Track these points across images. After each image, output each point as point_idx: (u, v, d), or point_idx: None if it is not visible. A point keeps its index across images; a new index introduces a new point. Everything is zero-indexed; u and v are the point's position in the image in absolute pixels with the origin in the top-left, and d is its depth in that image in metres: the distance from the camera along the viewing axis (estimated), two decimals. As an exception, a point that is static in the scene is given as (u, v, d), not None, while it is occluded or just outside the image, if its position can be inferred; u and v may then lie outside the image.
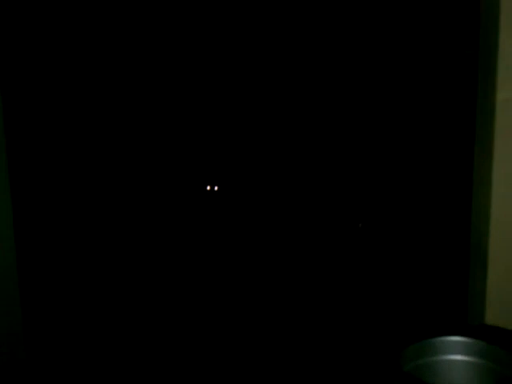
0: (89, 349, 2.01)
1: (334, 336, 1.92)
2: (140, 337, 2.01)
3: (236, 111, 1.90)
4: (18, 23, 1.84)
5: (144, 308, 2.01)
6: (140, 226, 1.98)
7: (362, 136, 1.87)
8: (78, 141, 1.93)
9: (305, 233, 1.93)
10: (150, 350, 2.01)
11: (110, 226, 1.97)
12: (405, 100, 1.83)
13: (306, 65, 1.84)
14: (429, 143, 1.84)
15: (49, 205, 1.94)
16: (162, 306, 2.00)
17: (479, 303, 1.69)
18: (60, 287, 1.99)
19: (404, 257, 1.88)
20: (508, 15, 1.55)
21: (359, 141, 1.87)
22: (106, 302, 1.99)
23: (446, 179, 1.84)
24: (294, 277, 1.94)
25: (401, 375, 1.28)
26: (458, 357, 1.38)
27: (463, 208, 1.80)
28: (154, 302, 2.00)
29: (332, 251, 1.91)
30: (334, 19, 1.82)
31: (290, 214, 1.93)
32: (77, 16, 1.85)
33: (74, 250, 1.97)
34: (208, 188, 1.94)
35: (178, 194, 1.95)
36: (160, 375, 2.01)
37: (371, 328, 1.89)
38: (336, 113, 1.87)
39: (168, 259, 1.98)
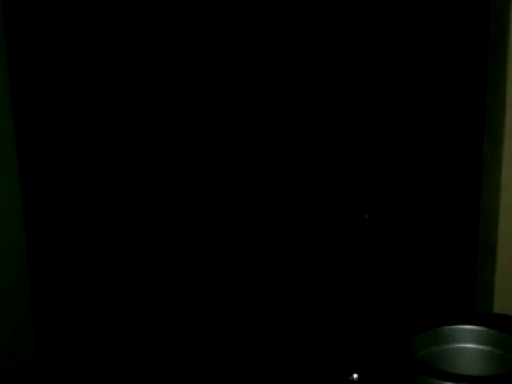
0: (98, 346, 2.01)
1: (345, 325, 1.92)
2: (146, 332, 2.02)
3: (253, 102, 1.89)
4: (28, 26, 1.84)
5: (148, 303, 2.01)
6: (146, 219, 1.98)
7: (370, 125, 1.86)
8: (85, 136, 1.93)
9: (313, 223, 1.93)
10: (155, 346, 2.02)
11: (118, 222, 1.97)
12: (413, 90, 1.83)
13: (326, 53, 1.84)
14: (437, 133, 1.84)
15: (58, 200, 1.95)
16: (167, 301, 2.01)
17: (488, 292, 1.70)
18: (70, 287, 1.99)
19: (413, 246, 1.88)
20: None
21: (367, 130, 1.87)
22: (114, 300, 2.00)
23: (455, 169, 1.84)
24: (305, 265, 1.94)
25: (412, 362, 1.29)
26: (469, 345, 1.39)
27: (472, 197, 1.80)
28: (158, 296, 2.01)
29: (340, 241, 1.91)
30: (343, 9, 1.81)
31: (298, 204, 1.93)
32: (82, 18, 1.85)
33: (84, 245, 1.97)
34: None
35: (182, 192, 1.95)
36: (163, 374, 2.02)
37: (383, 317, 1.90)
38: (345, 104, 1.87)
39: (174, 253, 1.99)
